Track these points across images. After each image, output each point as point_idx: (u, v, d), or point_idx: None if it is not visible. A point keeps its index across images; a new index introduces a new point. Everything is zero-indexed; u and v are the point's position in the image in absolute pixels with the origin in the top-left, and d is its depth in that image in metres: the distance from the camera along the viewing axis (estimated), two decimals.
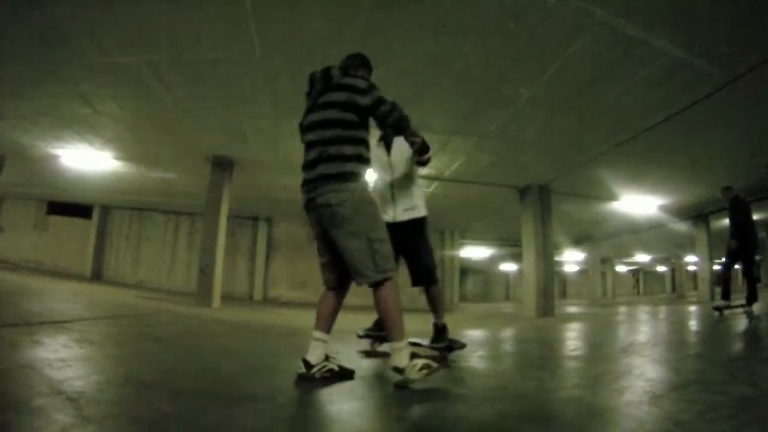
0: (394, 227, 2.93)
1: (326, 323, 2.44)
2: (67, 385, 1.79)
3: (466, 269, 22.56)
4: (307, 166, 2.39)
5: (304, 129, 2.47)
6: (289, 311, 8.33)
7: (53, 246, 13.16)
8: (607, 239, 15.21)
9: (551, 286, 8.92)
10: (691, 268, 20.15)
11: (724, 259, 6.51)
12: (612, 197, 9.56)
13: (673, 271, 21.15)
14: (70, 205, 13.24)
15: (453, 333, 3.43)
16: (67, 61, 4.87)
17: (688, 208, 10.41)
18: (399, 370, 2.19)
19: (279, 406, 1.79)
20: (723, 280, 6.44)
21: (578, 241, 16.37)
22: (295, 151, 7.55)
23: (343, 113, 2.33)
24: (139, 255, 13.59)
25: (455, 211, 11.57)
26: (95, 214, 13.40)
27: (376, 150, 3.27)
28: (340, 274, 2.45)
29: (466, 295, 21.81)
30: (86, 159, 8.27)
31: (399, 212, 3.21)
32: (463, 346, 3.29)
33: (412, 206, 3.22)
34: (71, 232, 13.35)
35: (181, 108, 6.06)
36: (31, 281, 8.00)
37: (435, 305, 3.27)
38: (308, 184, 2.37)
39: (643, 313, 8.15)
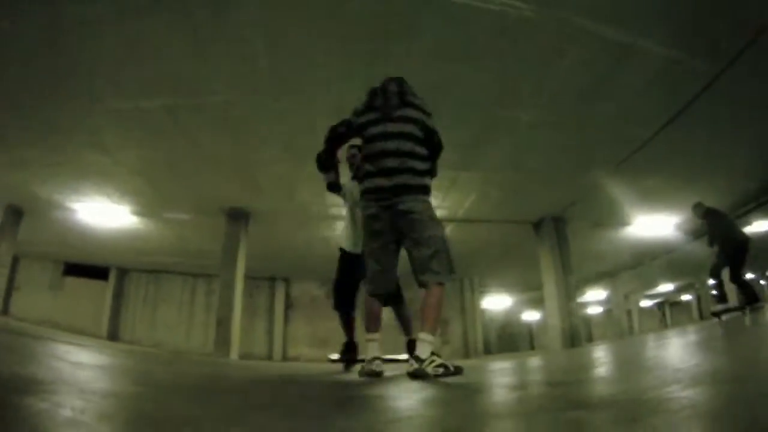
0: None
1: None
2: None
3: (488, 321, 22.07)
4: (384, 173, 2.54)
5: (376, 136, 2.60)
6: (312, 365, 8.06)
7: (69, 307, 13.01)
8: (626, 270, 14.75)
9: (576, 321, 8.55)
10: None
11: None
12: (625, 221, 9.27)
13: (698, 298, 20.33)
14: (87, 267, 13.28)
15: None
16: (89, 108, 5.09)
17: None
18: (420, 360, 2.28)
19: None
20: (714, 287, 6.59)
21: (599, 278, 15.93)
22: (311, 200, 7.61)
23: (418, 130, 2.60)
24: (155, 317, 13.48)
25: (472, 256, 11.33)
26: (112, 276, 13.44)
27: (349, 185, 3.59)
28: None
29: (490, 348, 21.30)
30: (103, 213, 8.40)
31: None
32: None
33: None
34: (87, 293, 13.28)
35: (196, 155, 6.24)
36: (42, 330, 7.78)
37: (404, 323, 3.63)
38: (385, 192, 2.53)
39: (662, 337, 7.91)
